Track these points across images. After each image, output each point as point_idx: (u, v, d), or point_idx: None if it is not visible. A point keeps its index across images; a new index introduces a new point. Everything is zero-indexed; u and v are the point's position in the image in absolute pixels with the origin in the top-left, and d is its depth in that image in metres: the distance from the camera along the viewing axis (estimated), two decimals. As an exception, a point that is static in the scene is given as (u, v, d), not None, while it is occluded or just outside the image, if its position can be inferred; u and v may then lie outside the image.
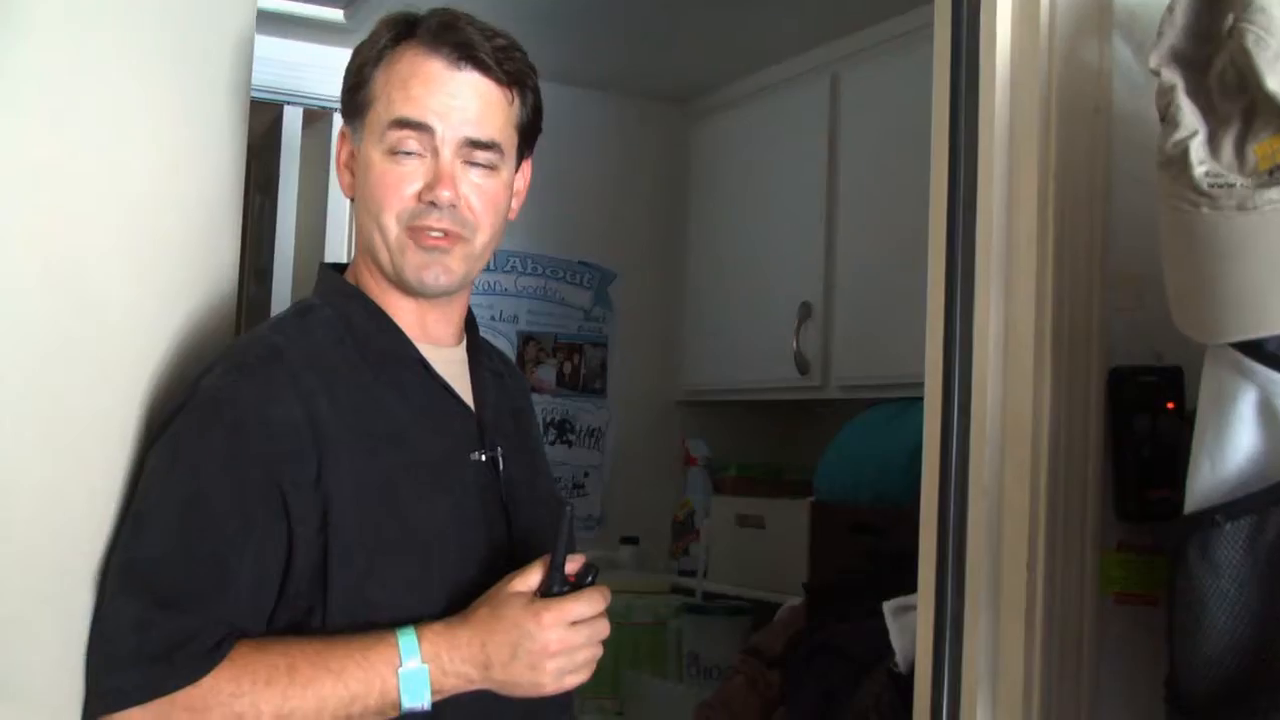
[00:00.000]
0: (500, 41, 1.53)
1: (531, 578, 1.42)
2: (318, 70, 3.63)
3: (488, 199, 1.54)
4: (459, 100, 1.51)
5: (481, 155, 1.53)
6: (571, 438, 3.99)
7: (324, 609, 1.43)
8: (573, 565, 1.44)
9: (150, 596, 1.36)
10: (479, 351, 1.67)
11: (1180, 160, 1.35)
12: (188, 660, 1.34)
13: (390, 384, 1.53)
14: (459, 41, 1.51)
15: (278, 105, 3.90)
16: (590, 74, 3.82)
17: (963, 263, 1.73)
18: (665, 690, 3.43)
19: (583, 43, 3.56)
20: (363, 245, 1.57)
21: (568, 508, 1.43)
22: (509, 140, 1.56)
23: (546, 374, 3.97)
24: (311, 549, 1.42)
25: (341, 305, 1.57)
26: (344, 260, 1.69)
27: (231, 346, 1.54)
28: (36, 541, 1.36)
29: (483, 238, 1.55)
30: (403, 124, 1.49)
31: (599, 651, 1.44)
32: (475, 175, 1.53)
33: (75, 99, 1.40)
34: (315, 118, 3.94)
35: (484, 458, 1.57)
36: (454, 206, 1.51)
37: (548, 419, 3.95)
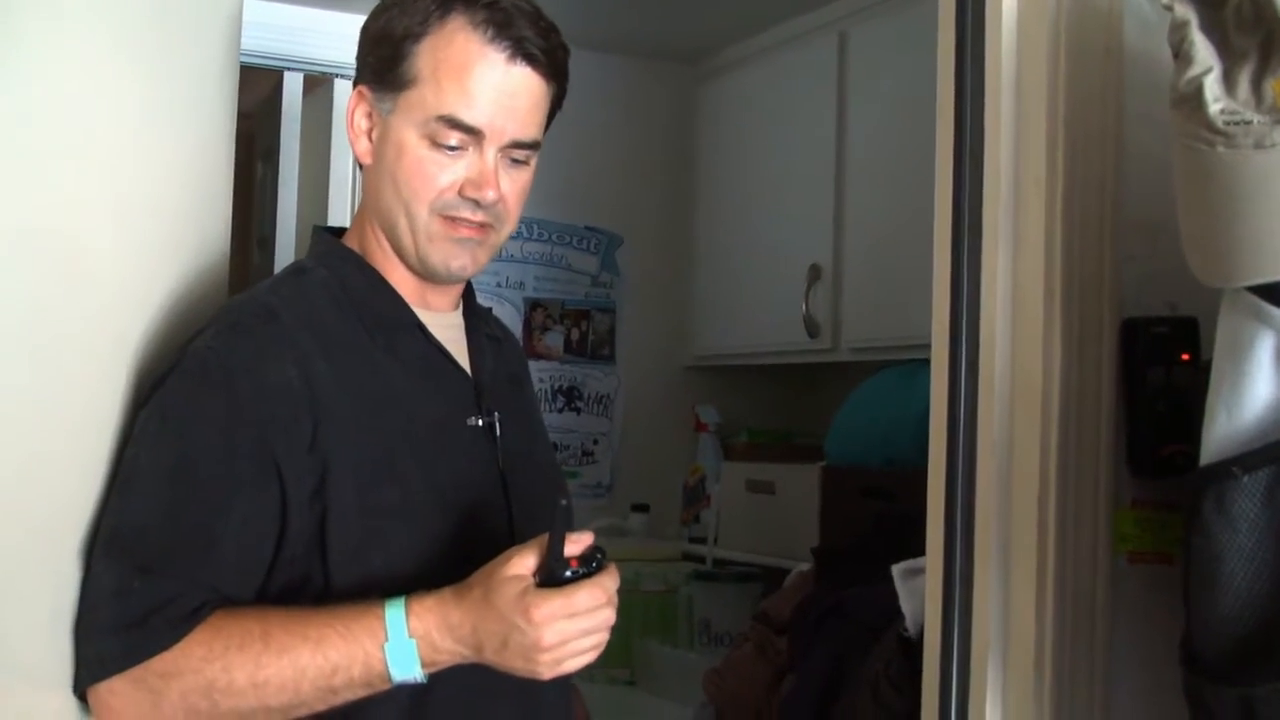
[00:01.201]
0: (544, 24, 1.50)
1: (528, 559, 1.34)
2: (318, 35, 3.60)
3: (519, 192, 1.53)
4: (512, 102, 1.48)
5: (521, 153, 1.52)
6: (580, 405, 3.96)
7: (324, 573, 1.40)
8: (577, 546, 1.35)
9: (132, 562, 1.34)
10: (475, 316, 1.65)
11: (1194, 98, 1.30)
12: (164, 625, 1.31)
13: (386, 347, 1.51)
14: (516, 37, 1.47)
15: (277, 71, 3.85)
16: (596, 35, 3.76)
17: (969, 212, 1.69)
18: (677, 658, 3.42)
19: (588, 3, 3.50)
20: (378, 218, 1.54)
21: (562, 501, 1.35)
22: (543, 132, 1.55)
23: (554, 340, 3.93)
24: (307, 513, 1.39)
25: (337, 267, 1.54)
26: (345, 225, 1.65)
27: (225, 308, 1.51)
28: (25, 509, 1.33)
29: (510, 228, 1.55)
30: (455, 124, 1.46)
31: (604, 638, 1.36)
32: (512, 170, 1.52)
33: (55, 62, 1.36)
34: (316, 83, 3.90)
35: (481, 423, 1.54)
36: (494, 203, 1.49)
37: (556, 386, 3.91)
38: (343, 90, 3.68)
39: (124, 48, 1.45)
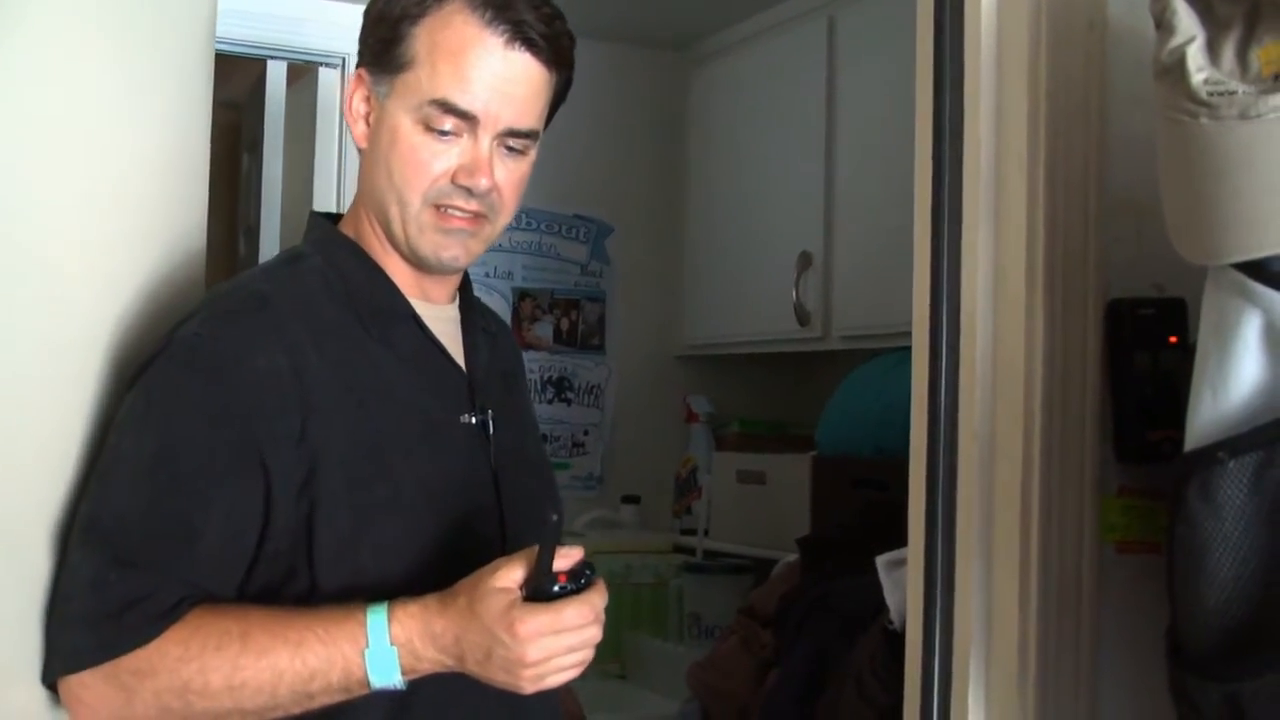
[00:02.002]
0: (547, 10, 1.47)
1: (515, 572, 1.31)
2: (302, 23, 3.54)
3: (515, 182, 1.49)
4: (509, 88, 1.44)
5: (518, 142, 1.48)
6: (570, 395, 3.92)
7: (310, 570, 1.37)
8: (566, 561, 1.33)
9: (110, 554, 1.31)
10: (472, 309, 1.61)
11: (1177, 68, 1.27)
12: (139, 621, 1.28)
13: (381, 339, 1.47)
14: (515, 20, 1.43)
15: (262, 60, 3.81)
16: (584, 21, 3.62)
17: (950, 192, 1.66)
18: (667, 651, 3.41)
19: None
20: (371, 204, 1.50)
21: (553, 516, 1.33)
22: (542, 122, 1.51)
23: (544, 331, 3.90)
24: (294, 507, 1.36)
25: (332, 255, 1.51)
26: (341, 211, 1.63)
27: (214, 294, 1.47)
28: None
29: (505, 219, 1.51)
30: (448, 108, 1.42)
31: (589, 655, 1.34)
32: (509, 160, 1.48)
33: (18, 50, 1.34)
34: (301, 72, 3.85)
35: (474, 421, 1.51)
36: (488, 192, 1.46)
37: (546, 376, 3.88)
38: (327, 79, 3.64)
39: (91, 37, 1.42)
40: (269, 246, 3.85)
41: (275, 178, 3.91)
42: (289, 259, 1.52)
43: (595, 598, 1.33)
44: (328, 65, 3.62)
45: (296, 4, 3.52)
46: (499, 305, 3.77)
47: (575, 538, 3.58)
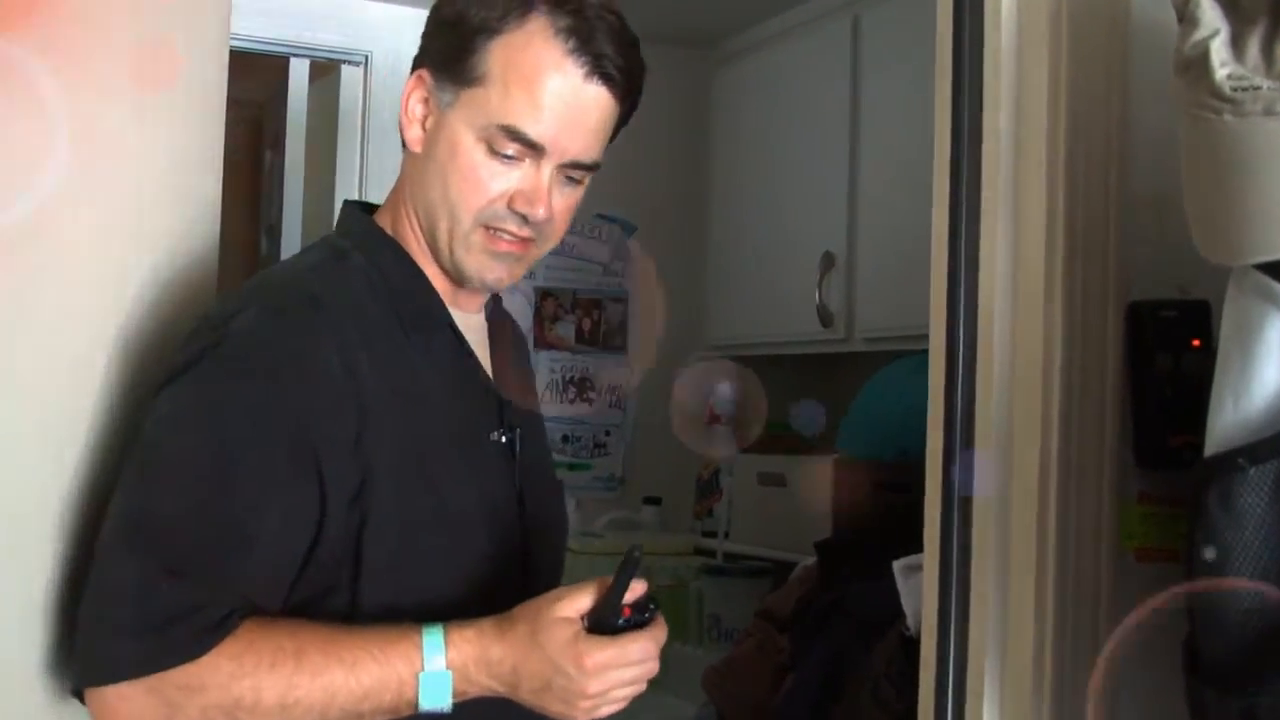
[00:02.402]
0: (627, 39, 1.42)
1: (581, 600, 1.31)
2: (324, 21, 3.54)
3: (568, 208, 1.46)
4: (581, 119, 1.40)
5: (578, 173, 1.45)
6: (593, 395, 3.91)
7: (354, 585, 1.34)
8: (630, 594, 1.32)
9: (156, 560, 1.26)
10: (497, 317, 1.59)
11: (1200, 62, 1.23)
12: (190, 635, 1.24)
13: (420, 346, 1.44)
14: (597, 54, 1.39)
15: (284, 58, 3.80)
16: (606, 19, 3.70)
17: (968, 187, 1.63)
18: (686, 655, 3.36)
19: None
20: (419, 208, 1.46)
21: (636, 551, 1.31)
22: (604, 152, 1.47)
23: (565, 330, 3.88)
24: (345, 518, 1.32)
25: (374, 253, 1.46)
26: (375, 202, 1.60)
27: (262, 288, 1.43)
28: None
29: (552, 244, 1.49)
30: (516, 135, 1.39)
31: (641, 689, 1.34)
32: (566, 188, 1.45)
33: (17, 43, 1.31)
34: (323, 71, 3.84)
35: (503, 439, 1.48)
36: (545, 222, 1.43)
37: (567, 377, 3.86)
38: (350, 77, 3.64)
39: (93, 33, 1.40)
40: (290, 245, 3.85)
41: (297, 176, 3.91)
42: (334, 256, 1.46)
43: (659, 633, 1.33)
44: (350, 63, 3.63)
45: (319, 2, 3.51)
46: (521, 304, 3.75)
47: (594, 539, 3.56)
